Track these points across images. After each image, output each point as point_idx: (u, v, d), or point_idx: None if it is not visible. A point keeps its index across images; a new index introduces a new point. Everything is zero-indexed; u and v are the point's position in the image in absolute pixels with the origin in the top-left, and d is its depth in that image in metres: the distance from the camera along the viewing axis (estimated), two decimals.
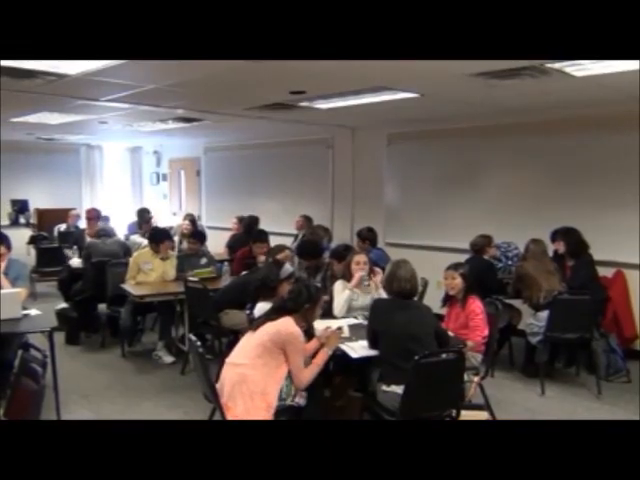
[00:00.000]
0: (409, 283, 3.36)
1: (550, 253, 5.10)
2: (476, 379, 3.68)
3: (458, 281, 3.96)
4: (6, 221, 9.76)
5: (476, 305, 3.88)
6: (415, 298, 3.53)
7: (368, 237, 5.71)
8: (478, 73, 3.98)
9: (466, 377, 3.41)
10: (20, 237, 8.28)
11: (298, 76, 4.22)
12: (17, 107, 5.98)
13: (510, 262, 5.54)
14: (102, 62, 3.74)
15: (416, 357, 2.91)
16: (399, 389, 3.05)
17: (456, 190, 6.63)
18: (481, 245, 5.23)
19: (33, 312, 4.21)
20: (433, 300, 4.18)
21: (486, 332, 3.80)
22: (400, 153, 7.16)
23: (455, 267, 4.04)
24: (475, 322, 3.82)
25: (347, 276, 4.26)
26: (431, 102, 5.28)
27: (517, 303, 5.14)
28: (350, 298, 4.13)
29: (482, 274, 4.78)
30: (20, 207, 10.19)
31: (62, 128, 7.86)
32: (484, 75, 4.03)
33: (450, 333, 3.64)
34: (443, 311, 4.17)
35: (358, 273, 4.15)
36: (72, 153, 11.11)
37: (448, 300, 4.11)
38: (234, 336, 4.54)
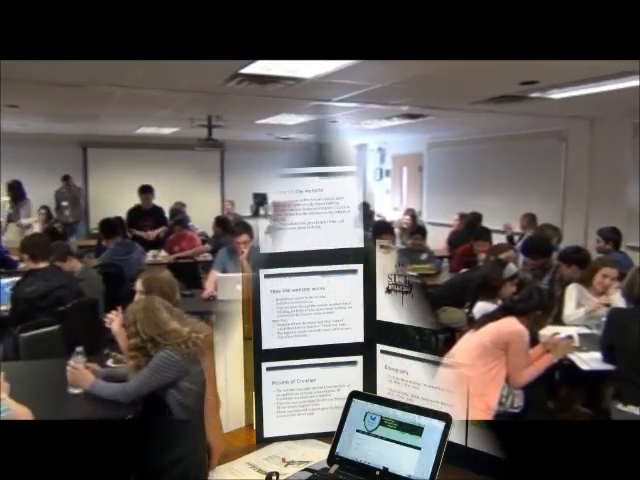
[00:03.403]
0: None
1: None
2: None
3: None
4: (248, 212, 10.98)
5: None
6: None
7: (612, 238, 5.11)
8: None
9: None
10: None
11: (530, 65, 3.96)
12: (262, 110, 6.71)
13: None
14: (334, 65, 3.99)
15: None
16: (638, 411, 2.73)
17: None
18: None
19: None
20: None
21: None
22: None
23: None
24: None
25: (587, 281, 3.90)
26: None
27: None
28: (583, 318, 3.80)
29: None
30: (260, 200, 11.39)
31: (297, 128, 8.57)
32: None
33: None
34: None
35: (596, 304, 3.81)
36: (303, 151, 12.03)
37: None
38: (451, 333, 4.49)
